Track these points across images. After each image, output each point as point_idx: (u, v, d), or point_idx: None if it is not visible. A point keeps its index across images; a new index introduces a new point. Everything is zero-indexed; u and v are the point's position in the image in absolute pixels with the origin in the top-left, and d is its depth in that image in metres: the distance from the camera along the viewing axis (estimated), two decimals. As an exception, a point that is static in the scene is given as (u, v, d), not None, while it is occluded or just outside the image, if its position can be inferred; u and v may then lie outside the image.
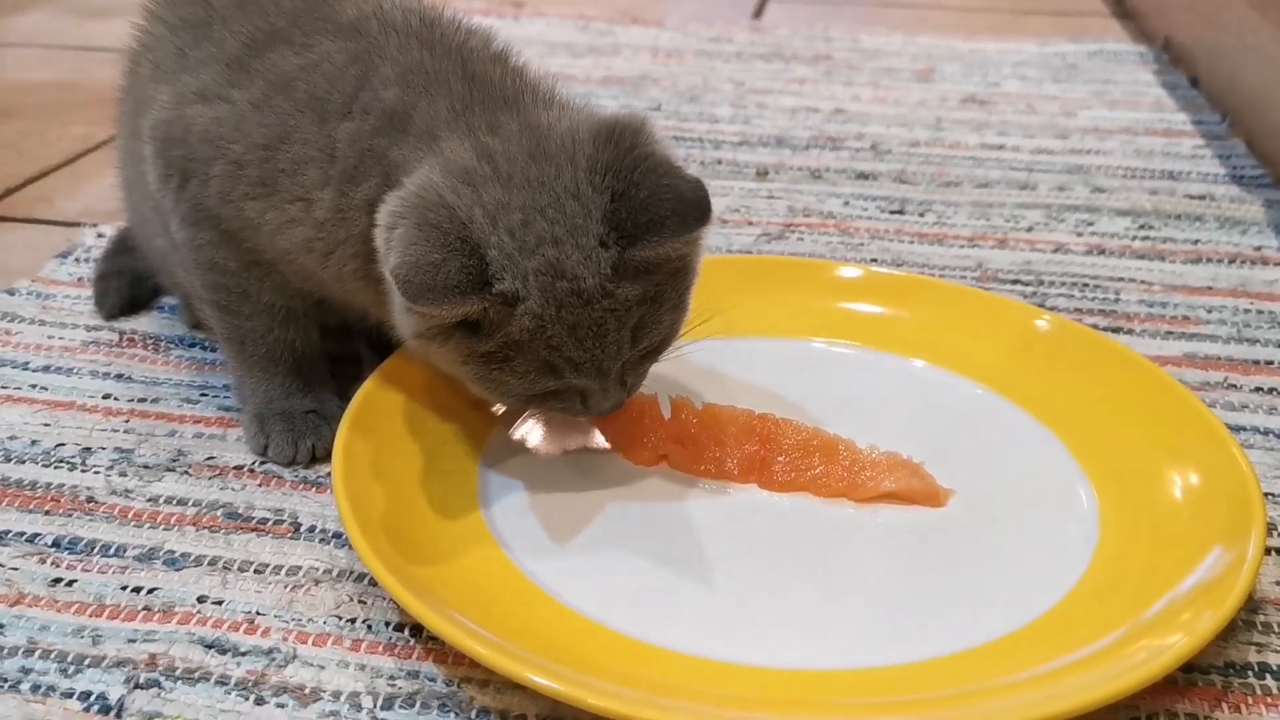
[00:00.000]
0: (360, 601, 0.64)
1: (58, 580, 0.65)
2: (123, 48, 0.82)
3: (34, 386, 0.83)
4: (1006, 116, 1.37)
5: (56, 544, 0.68)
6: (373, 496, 0.66)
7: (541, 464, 0.74)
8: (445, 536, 0.66)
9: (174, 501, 0.71)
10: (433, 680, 0.59)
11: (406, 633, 0.61)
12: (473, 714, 0.57)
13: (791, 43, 1.66)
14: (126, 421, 0.79)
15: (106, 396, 0.82)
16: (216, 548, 0.67)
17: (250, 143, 0.69)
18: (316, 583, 0.65)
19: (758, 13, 1.90)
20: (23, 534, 0.68)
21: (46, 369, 0.85)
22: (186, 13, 0.76)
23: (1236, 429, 0.76)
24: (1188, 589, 0.60)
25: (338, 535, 0.68)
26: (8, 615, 0.62)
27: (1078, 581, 0.63)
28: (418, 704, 0.57)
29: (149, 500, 0.71)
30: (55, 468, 0.74)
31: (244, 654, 0.60)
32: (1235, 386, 0.83)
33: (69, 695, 0.57)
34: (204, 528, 0.69)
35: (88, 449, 0.76)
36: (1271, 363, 0.86)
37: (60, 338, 0.89)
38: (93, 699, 0.57)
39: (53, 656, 0.60)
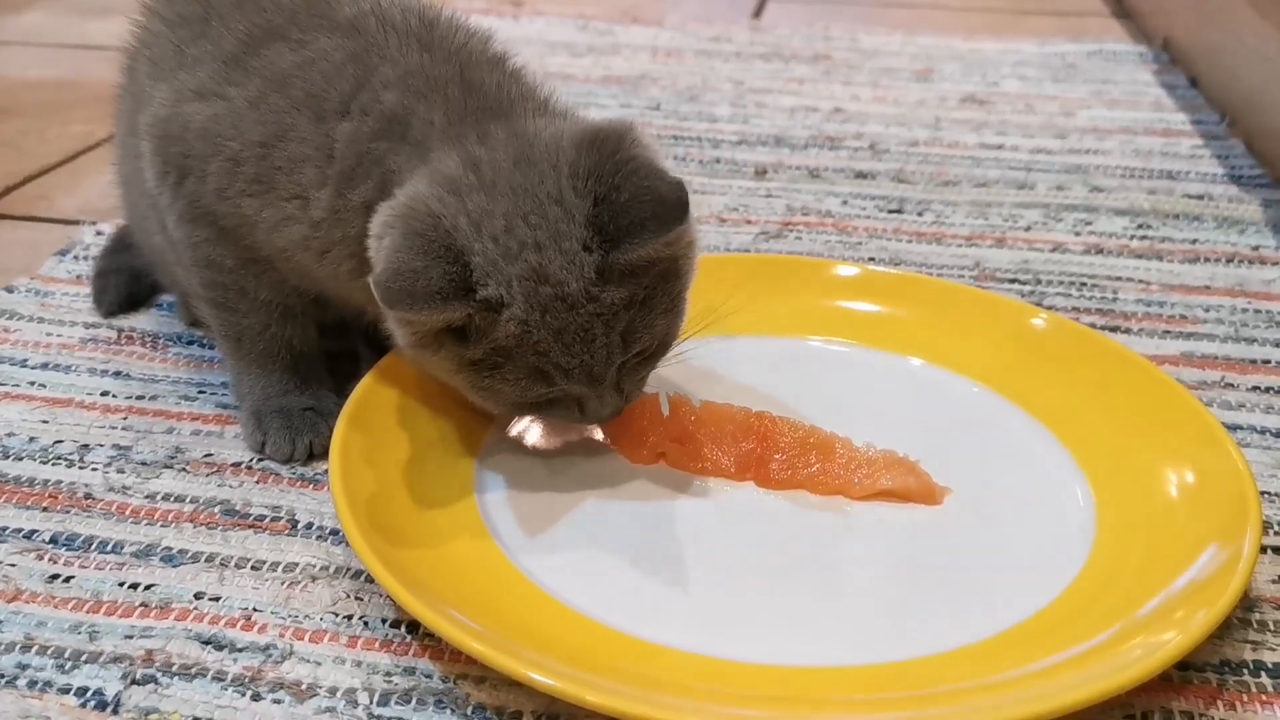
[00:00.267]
0: (357, 598, 0.64)
1: (55, 576, 0.65)
2: (121, 46, 0.82)
3: (32, 383, 0.83)
4: (1005, 116, 1.37)
5: (54, 540, 0.68)
6: (370, 494, 0.66)
7: (539, 461, 0.74)
8: (442, 533, 0.66)
9: (171, 498, 0.71)
10: (429, 677, 0.59)
11: (403, 629, 0.61)
12: (469, 710, 0.57)
13: (791, 42, 1.66)
14: (124, 418, 0.79)
15: (104, 394, 0.82)
16: (214, 544, 0.68)
17: (247, 140, 0.69)
18: (313, 579, 0.65)
19: (757, 12, 1.90)
20: (20, 530, 0.68)
21: (45, 366, 0.85)
22: (184, 9, 0.76)
23: (1233, 428, 0.77)
24: (1183, 586, 0.60)
25: (335, 532, 0.68)
26: (5, 611, 0.62)
27: (1073, 579, 0.63)
28: (414, 700, 0.57)
29: (146, 497, 0.71)
30: (53, 464, 0.74)
31: (241, 650, 0.60)
32: (1232, 385, 0.83)
33: (66, 691, 0.58)
34: (201, 524, 0.69)
35: (86, 446, 0.76)
36: (1269, 362, 0.86)
37: (59, 335, 0.89)
38: (89, 695, 0.57)
39: (50, 652, 0.60)
